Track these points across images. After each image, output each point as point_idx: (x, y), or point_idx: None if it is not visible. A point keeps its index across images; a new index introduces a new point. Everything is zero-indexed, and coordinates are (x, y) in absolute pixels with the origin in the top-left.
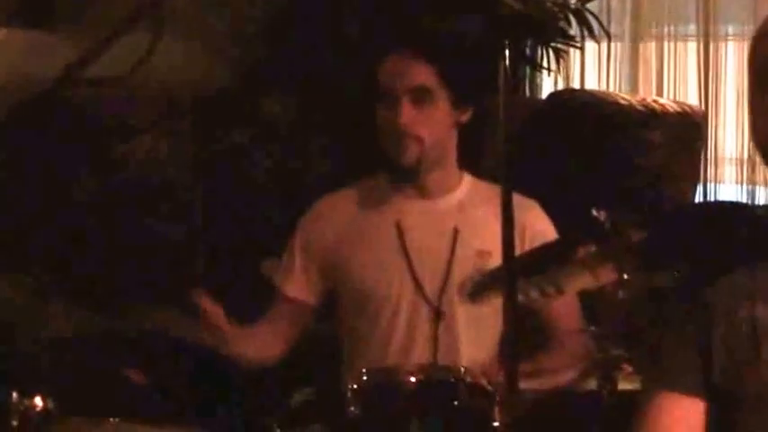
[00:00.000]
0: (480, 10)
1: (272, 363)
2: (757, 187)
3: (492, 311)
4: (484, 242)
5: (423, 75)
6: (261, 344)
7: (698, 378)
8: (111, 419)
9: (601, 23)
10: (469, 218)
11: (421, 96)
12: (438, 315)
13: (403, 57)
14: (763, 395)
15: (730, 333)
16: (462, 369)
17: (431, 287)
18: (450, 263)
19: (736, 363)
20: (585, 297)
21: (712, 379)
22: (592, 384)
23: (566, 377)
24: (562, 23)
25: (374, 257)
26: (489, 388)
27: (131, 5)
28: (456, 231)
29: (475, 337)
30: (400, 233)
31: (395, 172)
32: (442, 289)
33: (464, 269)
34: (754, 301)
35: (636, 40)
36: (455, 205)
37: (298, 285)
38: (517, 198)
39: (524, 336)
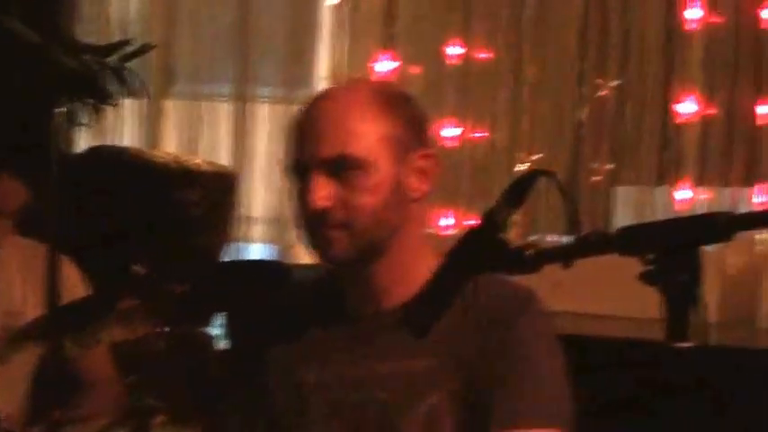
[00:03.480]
0: (36, 67)
1: None
2: (284, 247)
3: (22, 373)
4: (13, 302)
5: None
6: None
7: None
8: None
9: (142, 81)
10: (3, 277)
11: None
12: None
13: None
14: None
15: (283, 395)
16: None
17: None
18: None
19: (287, 425)
20: (125, 347)
21: None
22: None
23: (97, 425)
24: (101, 80)
25: None
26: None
27: None
28: None
29: (7, 397)
30: None
31: None
32: None
33: None
34: (303, 364)
35: (171, 98)
36: None
37: None
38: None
39: (59, 384)
